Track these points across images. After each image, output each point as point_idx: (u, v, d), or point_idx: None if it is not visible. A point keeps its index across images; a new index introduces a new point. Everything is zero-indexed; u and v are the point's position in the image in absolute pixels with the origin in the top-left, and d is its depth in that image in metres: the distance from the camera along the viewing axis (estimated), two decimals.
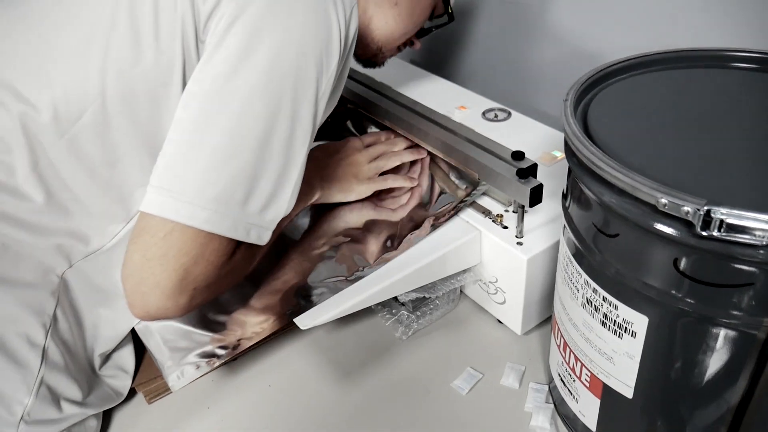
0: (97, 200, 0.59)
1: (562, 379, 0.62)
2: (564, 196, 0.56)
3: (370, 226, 0.74)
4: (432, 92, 0.98)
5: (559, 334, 0.60)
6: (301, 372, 0.73)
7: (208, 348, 0.63)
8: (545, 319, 0.76)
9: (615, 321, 0.50)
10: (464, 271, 0.74)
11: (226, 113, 0.54)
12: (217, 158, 0.53)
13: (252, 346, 0.66)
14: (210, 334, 0.64)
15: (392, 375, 0.72)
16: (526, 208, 0.66)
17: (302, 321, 0.62)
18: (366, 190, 0.77)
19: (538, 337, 0.75)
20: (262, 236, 0.58)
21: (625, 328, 0.50)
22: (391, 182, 0.78)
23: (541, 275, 0.70)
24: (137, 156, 0.58)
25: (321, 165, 0.75)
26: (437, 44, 1.17)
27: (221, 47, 0.54)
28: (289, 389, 0.71)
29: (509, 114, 0.92)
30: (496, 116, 0.92)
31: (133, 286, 0.54)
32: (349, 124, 0.92)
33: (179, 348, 0.63)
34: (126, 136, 0.57)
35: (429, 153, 0.81)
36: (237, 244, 0.58)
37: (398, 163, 0.80)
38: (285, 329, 0.72)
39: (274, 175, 0.56)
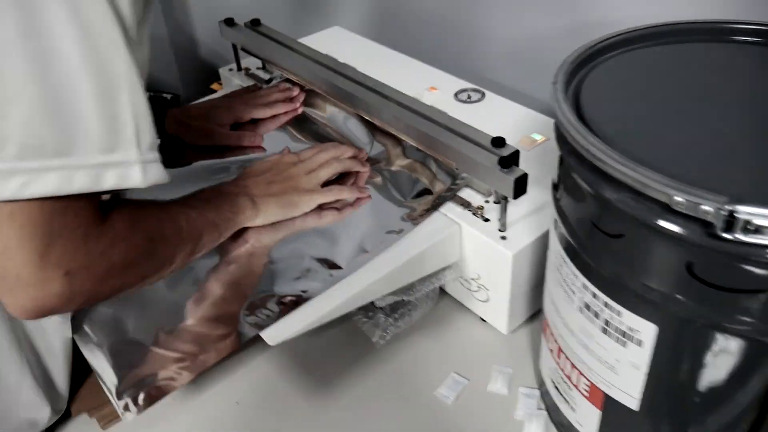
0: None
1: (556, 386, 0.57)
2: (554, 187, 0.51)
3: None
4: (399, 73, 0.91)
5: (552, 338, 0.55)
6: (271, 385, 0.67)
7: (164, 368, 0.56)
8: (531, 314, 0.71)
9: (618, 329, 0.45)
10: (444, 268, 0.68)
11: None
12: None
13: None
14: (164, 351, 0.57)
15: (371, 384, 0.66)
16: (510, 199, 0.61)
17: (270, 336, 0.56)
18: (309, 201, 0.68)
19: (524, 335, 0.70)
20: (127, 174, 0.45)
21: (630, 336, 0.45)
22: (336, 193, 0.69)
23: (527, 270, 0.65)
24: None
25: (253, 184, 0.67)
26: (400, 20, 1.10)
27: None
28: (259, 405, 0.65)
29: (483, 95, 0.86)
30: (469, 97, 0.86)
31: None
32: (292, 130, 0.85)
33: (128, 368, 0.56)
34: None
35: (401, 141, 0.75)
36: (106, 207, 0.48)
37: (340, 170, 0.72)
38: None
39: (92, 100, 0.43)
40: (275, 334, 0.56)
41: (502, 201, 0.62)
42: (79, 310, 0.61)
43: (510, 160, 0.60)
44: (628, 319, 0.44)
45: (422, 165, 0.73)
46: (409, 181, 0.72)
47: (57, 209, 0.44)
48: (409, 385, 0.66)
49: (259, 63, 0.98)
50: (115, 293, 0.50)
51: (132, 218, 0.50)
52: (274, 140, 0.82)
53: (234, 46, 0.96)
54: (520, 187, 0.59)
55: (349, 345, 0.70)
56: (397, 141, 0.76)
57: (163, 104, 0.80)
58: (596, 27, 0.74)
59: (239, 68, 0.99)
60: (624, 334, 0.45)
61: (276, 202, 0.66)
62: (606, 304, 0.45)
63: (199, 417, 0.65)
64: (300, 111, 0.86)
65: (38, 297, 0.45)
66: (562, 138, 0.45)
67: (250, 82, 0.95)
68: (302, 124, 0.84)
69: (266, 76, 0.95)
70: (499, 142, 0.62)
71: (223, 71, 1.00)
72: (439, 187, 0.69)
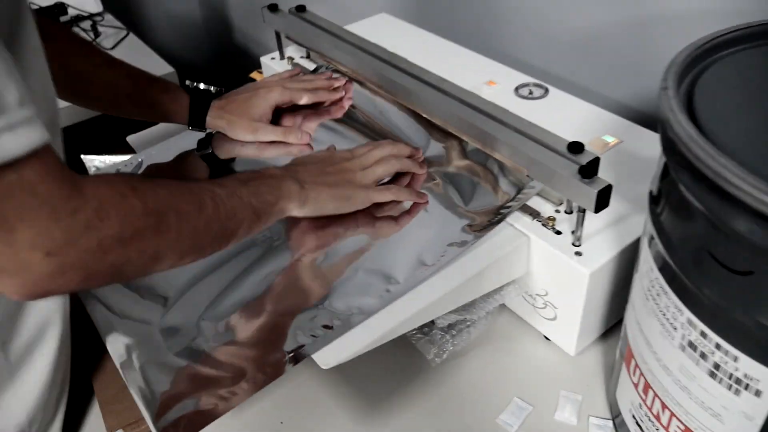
0: None
1: (638, 423, 0.51)
2: (653, 199, 0.45)
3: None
4: (453, 64, 0.85)
5: (638, 371, 0.49)
6: (317, 405, 0.62)
7: (205, 394, 0.51)
8: (602, 334, 0.65)
9: (731, 375, 0.39)
10: (507, 283, 0.62)
11: None
12: None
13: None
14: (207, 370, 0.53)
15: (426, 407, 0.61)
16: (588, 211, 0.55)
17: (323, 359, 0.51)
18: (365, 197, 0.62)
19: (594, 356, 0.64)
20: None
21: (746, 384, 0.39)
22: (394, 193, 0.64)
23: (603, 289, 0.59)
24: None
25: (304, 171, 0.61)
26: (453, 6, 1.04)
27: None
28: (305, 426, 0.61)
29: (546, 90, 0.79)
30: (531, 93, 0.79)
31: None
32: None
33: (167, 392, 0.52)
34: None
35: (458, 139, 0.68)
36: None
37: (398, 169, 0.66)
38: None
39: None
40: (328, 357, 0.51)
41: (578, 213, 0.56)
42: (98, 288, 0.57)
43: (591, 169, 0.54)
44: (746, 365, 0.38)
45: (484, 168, 0.66)
46: (470, 185, 0.66)
47: None
48: (468, 410, 0.60)
49: (303, 52, 0.92)
50: (123, 269, 0.45)
51: (122, 189, 0.44)
52: (321, 138, 0.76)
53: (277, 34, 0.91)
54: (603, 200, 0.53)
55: (401, 362, 0.65)
56: (456, 140, 0.70)
57: (208, 97, 0.75)
58: (666, 21, 0.68)
59: (282, 57, 0.93)
60: (738, 381, 0.39)
61: (329, 192, 0.61)
62: (718, 346, 0.39)
63: None
64: (347, 105, 0.80)
65: (27, 281, 0.41)
66: (672, 149, 0.39)
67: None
68: (351, 121, 0.78)
69: (311, 66, 0.89)
70: (577, 147, 0.56)
71: (264, 60, 0.95)
72: (503, 195, 0.63)
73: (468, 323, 0.64)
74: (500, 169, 0.65)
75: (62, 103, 1.28)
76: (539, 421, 0.59)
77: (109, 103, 0.75)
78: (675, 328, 0.42)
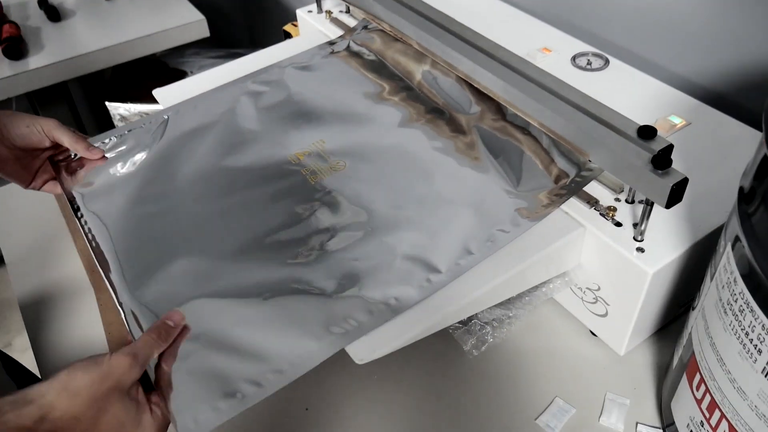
0: None
1: None
2: (745, 198, 0.39)
3: None
4: (504, 28, 0.79)
5: (703, 386, 0.45)
6: (343, 394, 0.59)
7: (231, 383, 0.47)
8: (653, 333, 0.60)
9: None
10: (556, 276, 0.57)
11: None
12: None
13: None
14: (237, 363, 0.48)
15: (460, 403, 0.57)
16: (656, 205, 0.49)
17: (357, 352, 0.47)
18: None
19: (644, 357, 0.60)
20: None
21: None
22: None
23: (664, 288, 0.54)
24: None
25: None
26: None
27: None
28: (329, 414, 0.57)
29: (606, 61, 0.72)
30: (589, 63, 0.73)
31: None
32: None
33: (192, 381, 0.47)
34: None
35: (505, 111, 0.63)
36: None
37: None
38: None
39: None
40: (363, 351, 0.47)
41: (645, 206, 0.50)
42: None
43: (664, 159, 0.48)
44: None
45: (535, 141, 0.61)
46: (517, 156, 0.60)
47: None
48: (506, 409, 0.56)
49: (342, 5, 0.86)
50: None
51: None
52: (384, 114, 0.70)
53: None
54: (677, 195, 0.48)
55: (436, 352, 0.61)
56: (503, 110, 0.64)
57: None
58: None
59: (320, 10, 0.87)
60: None
61: None
62: None
63: (267, 423, 0.57)
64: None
65: None
66: None
67: (333, 28, 0.83)
68: (399, 90, 0.72)
69: (352, 23, 0.83)
70: (648, 132, 0.50)
71: (301, 13, 0.89)
72: (558, 175, 0.57)
73: (510, 315, 0.59)
74: (553, 144, 0.59)
75: (88, 48, 1.24)
76: (582, 425, 0.55)
77: None
78: (760, 352, 0.37)
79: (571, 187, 0.56)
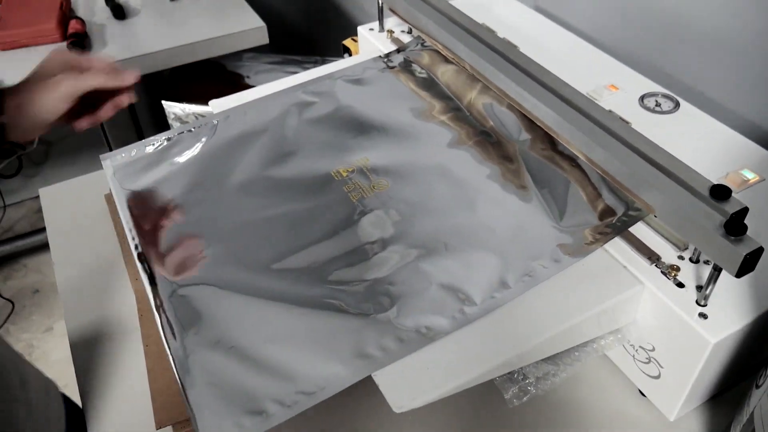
0: None
1: None
2: None
3: None
4: (570, 60, 0.76)
5: None
6: (367, 425, 0.57)
7: (257, 401, 0.46)
8: (707, 400, 0.57)
9: None
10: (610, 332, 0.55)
11: None
12: None
13: None
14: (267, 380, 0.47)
15: None
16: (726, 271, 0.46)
17: (396, 399, 0.45)
18: None
19: (695, 424, 0.56)
20: None
21: None
22: None
23: (725, 357, 0.50)
24: None
25: None
26: None
27: None
28: None
29: (677, 104, 0.69)
30: (658, 105, 0.69)
31: None
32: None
33: (220, 399, 0.47)
34: None
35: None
36: None
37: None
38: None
39: None
40: (402, 398, 0.45)
41: (712, 270, 0.47)
42: None
43: (738, 224, 0.45)
44: None
45: (583, 174, 0.59)
46: (563, 186, 0.58)
47: None
48: None
49: (405, 26, 0.85)
50: None
51: None
52: (431, 133, 0.69)
53: (380, 5, 0.83)
54: (750, 264, 0.44)
55: (475, 396, 0.59)
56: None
57: None
58: None
59: (381, 29, 0.86)
60: None
61: None
62: None
63: None
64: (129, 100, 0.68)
65: None
66: None
67: (392, 47, 0.82)
68: (449, 110, 0.70)
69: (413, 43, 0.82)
70: (722, 192, 0.47)
71: (362, 30, 0.88)
72: (603, 211, 0.55)
73: (556, 368, 0.57)
74: (602, 178, 0.57)
75: (150, 48, 1.25)
76: None
77: None
78: None
79: (617, 225, 0.53)
